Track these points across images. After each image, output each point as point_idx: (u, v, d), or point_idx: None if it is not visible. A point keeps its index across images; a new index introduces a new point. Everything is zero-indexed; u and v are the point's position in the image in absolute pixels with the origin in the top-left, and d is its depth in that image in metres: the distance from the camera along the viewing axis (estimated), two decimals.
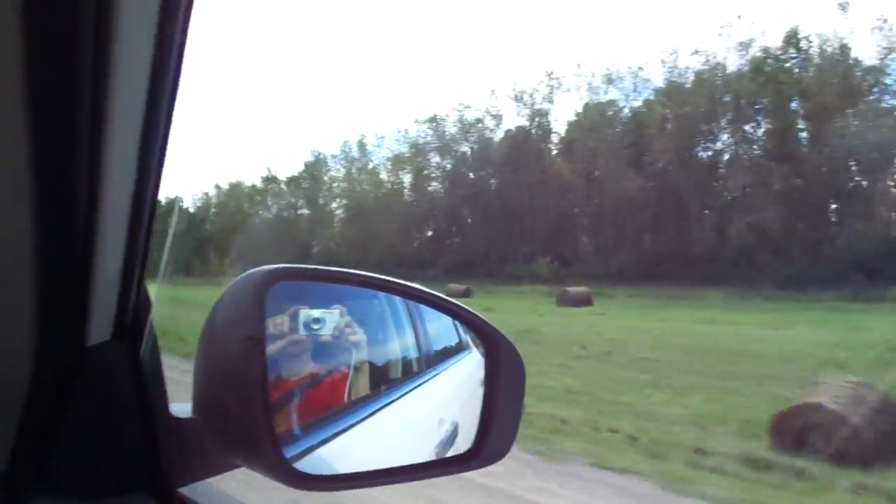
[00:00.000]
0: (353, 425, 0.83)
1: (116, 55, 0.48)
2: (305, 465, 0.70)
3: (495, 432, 0.89)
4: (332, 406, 0.79)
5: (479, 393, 1.02)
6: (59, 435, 0.72)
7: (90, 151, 0.52)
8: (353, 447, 0.82)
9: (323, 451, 0.75)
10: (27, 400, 0.68)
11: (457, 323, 1.07)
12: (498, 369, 0.92)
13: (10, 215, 0.53)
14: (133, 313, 0.72)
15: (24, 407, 0.68)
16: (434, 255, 52.54)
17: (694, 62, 44.92)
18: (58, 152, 0.51)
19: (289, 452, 0.69)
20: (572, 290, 27.62)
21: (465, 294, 31.02)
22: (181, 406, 0.76)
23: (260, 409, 0.65)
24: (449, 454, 0.94)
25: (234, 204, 69.51)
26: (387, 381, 0.93)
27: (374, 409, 0.89)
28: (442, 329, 1.08)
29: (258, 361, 0.65)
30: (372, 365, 0.90)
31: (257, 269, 0.71)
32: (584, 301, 25.91)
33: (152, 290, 0.79)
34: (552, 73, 53.00)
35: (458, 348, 1.10)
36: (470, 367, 1.06)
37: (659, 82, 46.87)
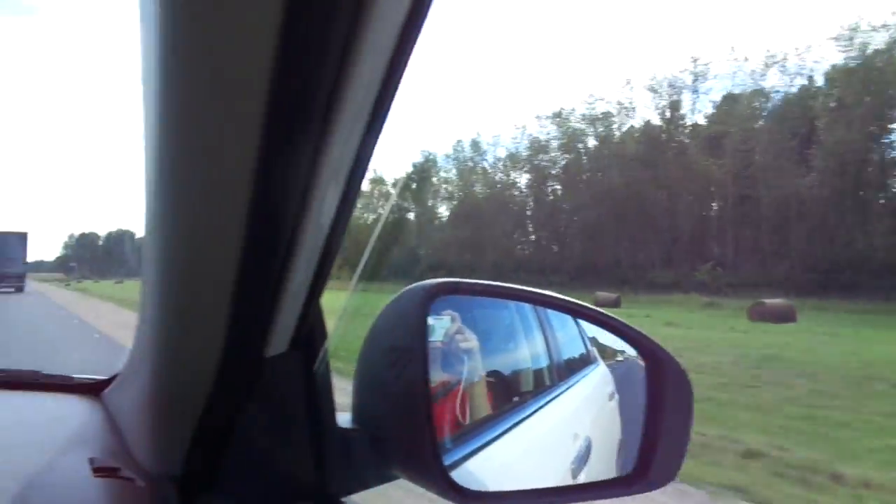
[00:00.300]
0: (495, 438, 0.85)
1: (359, 64, 0.48)
2: (457, 478, 0.73)
3: (661, 455, 0.89)
4: (472, 418, 0.81)
5: (609, 407, 1.04)
6: (231, 442, 0.76)
7: (312, 160, 0.53)
8: (494, 460, 0.84)
9: (470, 465, 0.77)
10: (204, 406, 0.72)
11: (584, 334, 1.08)
12: (662, 389, 0.92)
13: (225, 217, 0.55)
14: (310, 323, 0.75)
15: (201, 413, 0.72)
16: (556, 260, 49.51)
17: (879, 39, 38.83)
18: (282, 157, 0.52)
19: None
20: (769, 302, 23.61)
21: (616, 304, 28.52)
22: (347, 416, 0.80)
23: (422, 422, 0.68)
24: (584, 471, 0.95)
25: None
26: (520, 393, 0.95)
27: (513, 422, 0.90)
28: (569, 341, 1.07)
29: (420, 374, 0.69)
30: (504, 376, 0.92)
31: (422, 282, 0.75)
32: (786, 316, 21.81)
33: (343, 297, 0.83)
34: (698, 59, 48.20)
35: (586, 361, 1.10)
36: (597, 381, 1.08)
37: (830, 65, 40.91)
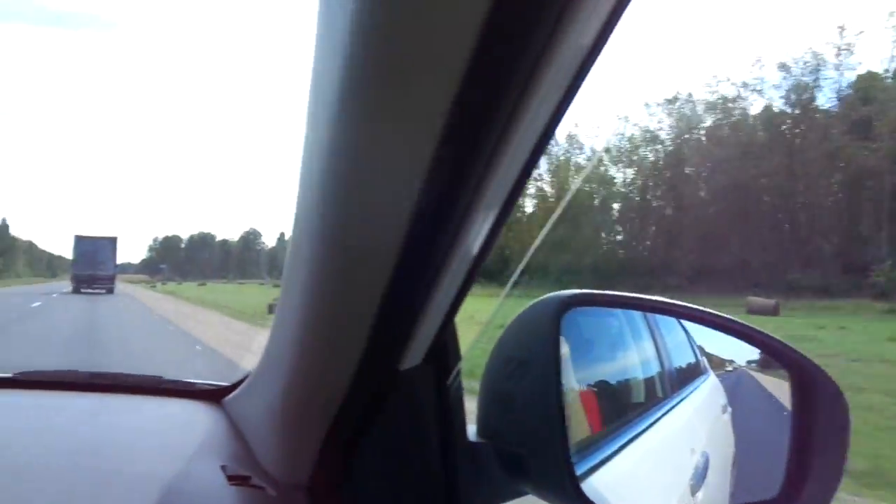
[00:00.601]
0: (615, 451, 0.84)
1: (541, 86, 0.47)
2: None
3: (813, 479, 0.84)
4: (592, 431, 0.82)
5: (722, 421, 1.03)
6: (361, 453, 0.77)
7: (478, 181, 0.52)
8: (615, 474, 0.83)
9: (593, 480, 0.77)
10: (335, 416, 0.74)
11: (692, 342, 1.06)
12: (812, 407, 0.88)
13: (385, 231, 0.55)
14: (444, 337, 0.76)
15: (331, 422, 0.74)
16: (667, 261, 45.05)
17: None
18: (450, 177, 0.51)
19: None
20: None
21: (774, 311, 24.18)
22: (474, 429, 0.80)
23: (556, 437, 0.69)
24: (703, 489, 0.93)
25: None
26: (631, 404, 0.94)
27: (630, 435, 0.89)
28: (680, 348, 1.05)
29: (553, 388, 0.70)
30: (613, 386, 0.92)
31: (554, 294, 0.76)
32: None
33: (491, 304, 0.84)
34: (844, 27, 42.46)
35: (697, 370, 1.08)
36: (709, 392, 1.07)
37: None
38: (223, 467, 0.87)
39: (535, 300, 0.75)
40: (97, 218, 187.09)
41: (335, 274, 0.61)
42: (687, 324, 0.99)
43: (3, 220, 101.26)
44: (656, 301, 0.91)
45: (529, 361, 0.71)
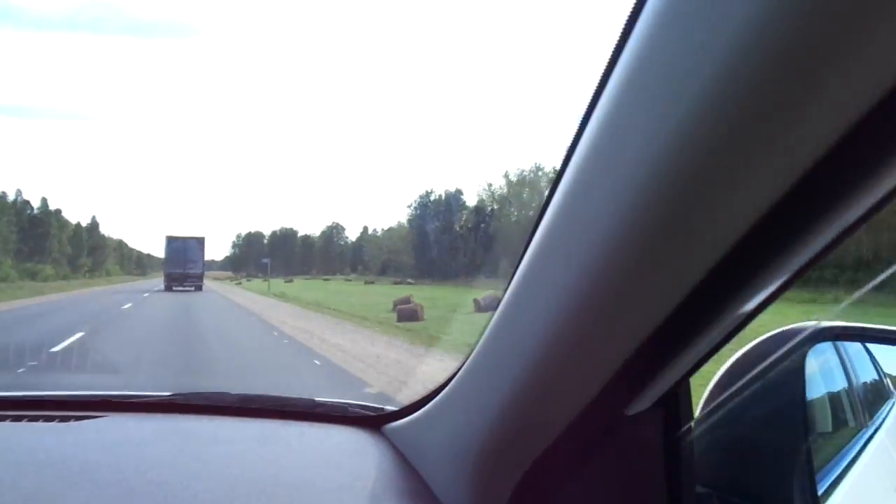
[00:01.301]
0: (826, 493, 0.77)
1: None
2: None
3: None
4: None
5: None
6: (566, 496, 0.74)
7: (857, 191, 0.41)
8: None
9: None
10: (540, 454, 0.70)
11: (874, 359, 0.96)
12: None
13: (675, 273, 0.48)
14: (682, 381, 0.70)
15: (532, 463, 0.71)
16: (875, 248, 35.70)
17: None
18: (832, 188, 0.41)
19: None
20: None
21: None
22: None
23: (803, 487, 0.63)
24: None
25: (527, 195, 63.24)
26: (819, 434, 0.86)
27: (837, 472, 0.82)
28: (863, 367, 0.97)
29: (803, 439, 0.63)
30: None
31: (799, 325, 0.69)
32: None
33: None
34: None
35: (884, 393, 1.00)
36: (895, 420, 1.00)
37: None
38: None
39: (776, 330, 0.67)
40: (182, 216, 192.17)
41: (599, 309, 0.53)
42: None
43: (93, 217, 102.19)
44: None
45: (770, 405, 0.63)
